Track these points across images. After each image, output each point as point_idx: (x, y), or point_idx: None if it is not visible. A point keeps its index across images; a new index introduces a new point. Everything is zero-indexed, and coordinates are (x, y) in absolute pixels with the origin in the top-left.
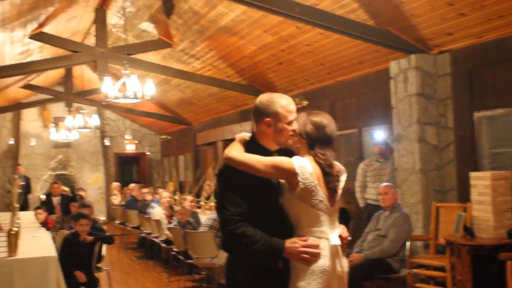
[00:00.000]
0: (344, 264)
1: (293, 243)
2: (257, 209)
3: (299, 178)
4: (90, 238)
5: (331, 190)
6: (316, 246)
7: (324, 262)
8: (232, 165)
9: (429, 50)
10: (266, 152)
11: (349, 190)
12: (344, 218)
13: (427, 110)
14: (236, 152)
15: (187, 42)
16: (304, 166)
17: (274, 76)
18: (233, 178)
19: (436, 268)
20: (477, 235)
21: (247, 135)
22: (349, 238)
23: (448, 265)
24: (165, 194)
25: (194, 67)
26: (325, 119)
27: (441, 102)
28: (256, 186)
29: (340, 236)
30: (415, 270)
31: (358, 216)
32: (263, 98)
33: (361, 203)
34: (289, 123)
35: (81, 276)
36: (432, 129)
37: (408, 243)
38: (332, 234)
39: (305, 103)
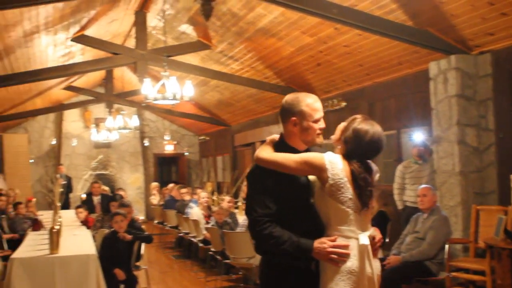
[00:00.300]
0: (375, 266)
1: (321, 243)
2: (287, 210)
3: (329, 174)
4: (129, 236)
5: (363, 203)
6: (345, 247)
7: (352, 262)
8: (262, 165)
9: (469, 50)
10: (294, 152)
11: (387, 192)
12: (382, 220)
13: (467, 111)
14: (265, 152)
15: (226, 43)
16: (335, 162)
17: (312, 78)
18: (261, 179)
19: (475, 272)
20: None
21: (276, 136)
22: (387, 240)
23: (488, 269)
24: (203, 195)
25: (233, 69)
26: (371, 130)
27: (481, 104)
28: (285, 187)
29: (373, 238)
30: (453, 274)
31: (397, 218)
32: (288, 97)
33: (400, 205)
34: (316, 121)
35: (120, 274)
36: (472, 130)
37: (447, 246)
38: (362, 234)
39: (343, 104)
